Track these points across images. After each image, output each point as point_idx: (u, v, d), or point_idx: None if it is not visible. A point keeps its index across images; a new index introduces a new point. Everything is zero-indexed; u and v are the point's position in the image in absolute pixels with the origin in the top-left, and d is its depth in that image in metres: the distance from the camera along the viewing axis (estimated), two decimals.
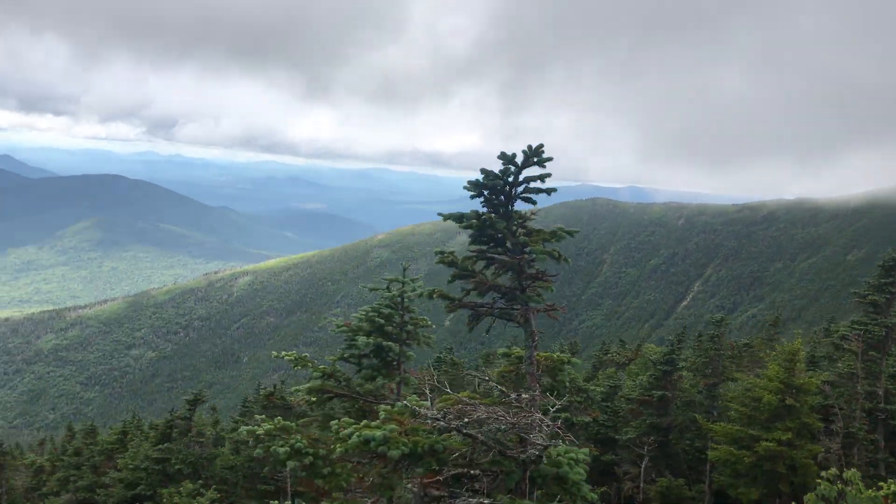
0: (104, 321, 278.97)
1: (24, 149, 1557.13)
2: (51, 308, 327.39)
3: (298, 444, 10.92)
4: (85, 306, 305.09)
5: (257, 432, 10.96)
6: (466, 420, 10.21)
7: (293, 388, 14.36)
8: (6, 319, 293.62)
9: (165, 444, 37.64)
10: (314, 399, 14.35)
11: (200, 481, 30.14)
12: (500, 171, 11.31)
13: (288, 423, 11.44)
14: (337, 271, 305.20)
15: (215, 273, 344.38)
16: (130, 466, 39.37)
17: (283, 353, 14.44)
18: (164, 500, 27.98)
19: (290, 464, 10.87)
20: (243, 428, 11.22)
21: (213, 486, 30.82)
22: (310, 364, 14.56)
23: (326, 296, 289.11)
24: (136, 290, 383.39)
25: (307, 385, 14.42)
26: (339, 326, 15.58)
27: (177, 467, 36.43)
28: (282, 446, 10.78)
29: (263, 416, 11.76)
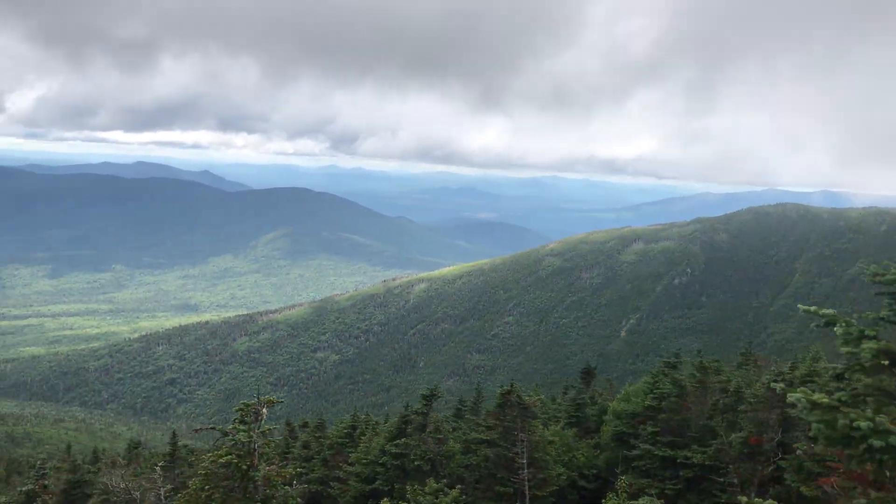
0: (292, 325, 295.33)
1: (222, 164, 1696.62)
2: (245, 312, 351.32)
3: (880, 419, 8.45)
4: (275, 311, 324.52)
5: (822, 401, 8.75)
6: None
7: (842, 350, 9.78)
8: (206, 322, 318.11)
9: (403, 440, 37.14)
10: (886, 362, 9.96)
11: (444, 480, 29.63)
12: None
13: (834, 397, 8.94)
14: (509, 280, 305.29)
15: (393, 280, 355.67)
16: (365, 461, 39.35)
17: (814, 308, 10.99)
18: (409, 496, 27.82)
19: (876, 443, 8.18)
20: (796, 396, 9.00)
21: (458, 486, 30.42)
22: (843, 322, 10.31)
23: (499, 304, 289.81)
24: (320, 296, 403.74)
25: (873, 345, 9.96)
26: (875, 275, 11.00)
27: (416, 463, 35.90)
28: (863, 421, 8.34)
29: (805, 388, 9.07)
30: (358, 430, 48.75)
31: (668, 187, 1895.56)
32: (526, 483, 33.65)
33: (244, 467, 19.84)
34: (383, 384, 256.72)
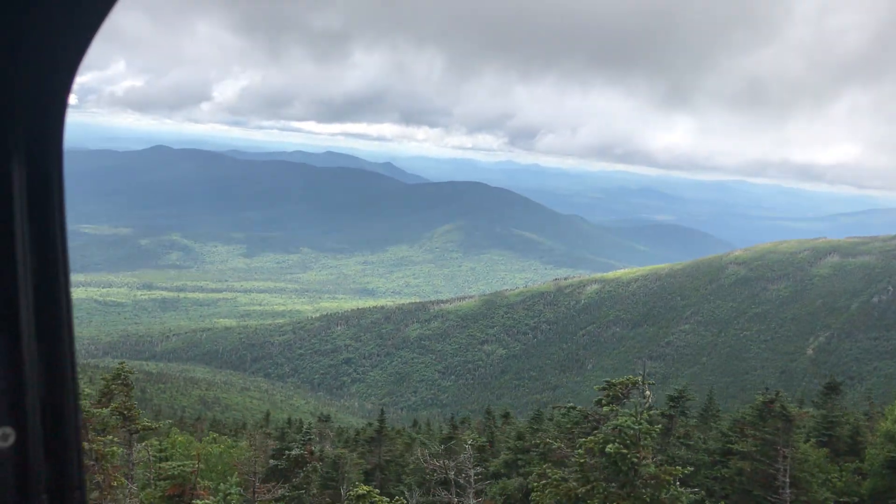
0: (462, 316, 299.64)
1: (403, 157, 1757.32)
2: (417, 300, 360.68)
3: None
4: (446, 301, 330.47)
5: None
6: None
7: None
8: (382, 307, 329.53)
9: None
10: None
11: (698, 489, 27.09)
12: None
13: None
14: (687, 286, 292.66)
15: (564, 279, 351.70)
16: (590, 462, 36.98)
17: None
18: None
19: None
20: None
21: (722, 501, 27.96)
22: None
23: (675, 311, 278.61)
24: (490, 289, 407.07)
25: None
26: None
27: None
28: None
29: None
30: (579, 426, 46.14)
31: (870, 198, 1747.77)
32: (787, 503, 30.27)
33: (633, 460, 16.15)
34: (549, 382, 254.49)
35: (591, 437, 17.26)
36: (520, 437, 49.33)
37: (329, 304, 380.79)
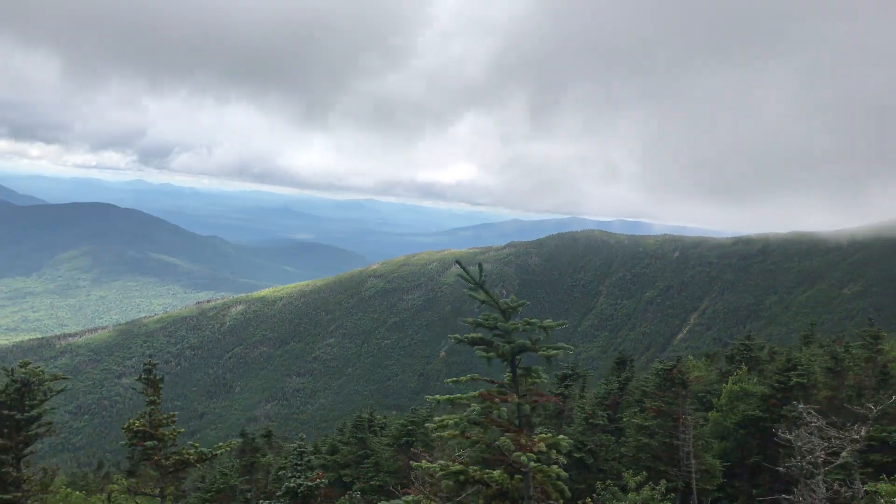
0: (94, 350, 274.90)
1: (13, 176, 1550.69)
2: (39, 336, 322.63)
3: None
4: (75, 335, 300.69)
5: None
6: None
7: None
8: None
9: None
10: None
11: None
12: None
13: None
14: (331, 301, 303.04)
15: (207, 302, 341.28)
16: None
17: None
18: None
19: None
20: None
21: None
22: None
23: (320, 325, 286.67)
24: (125, 318, 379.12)
25: None
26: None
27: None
28: None
29: None
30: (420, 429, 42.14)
31: (481, 213, 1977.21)
32: (693, 475, 27.97)
33: None
34: (195, 410, 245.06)
35: None
36: (333, 450, 46.10)
37: None
